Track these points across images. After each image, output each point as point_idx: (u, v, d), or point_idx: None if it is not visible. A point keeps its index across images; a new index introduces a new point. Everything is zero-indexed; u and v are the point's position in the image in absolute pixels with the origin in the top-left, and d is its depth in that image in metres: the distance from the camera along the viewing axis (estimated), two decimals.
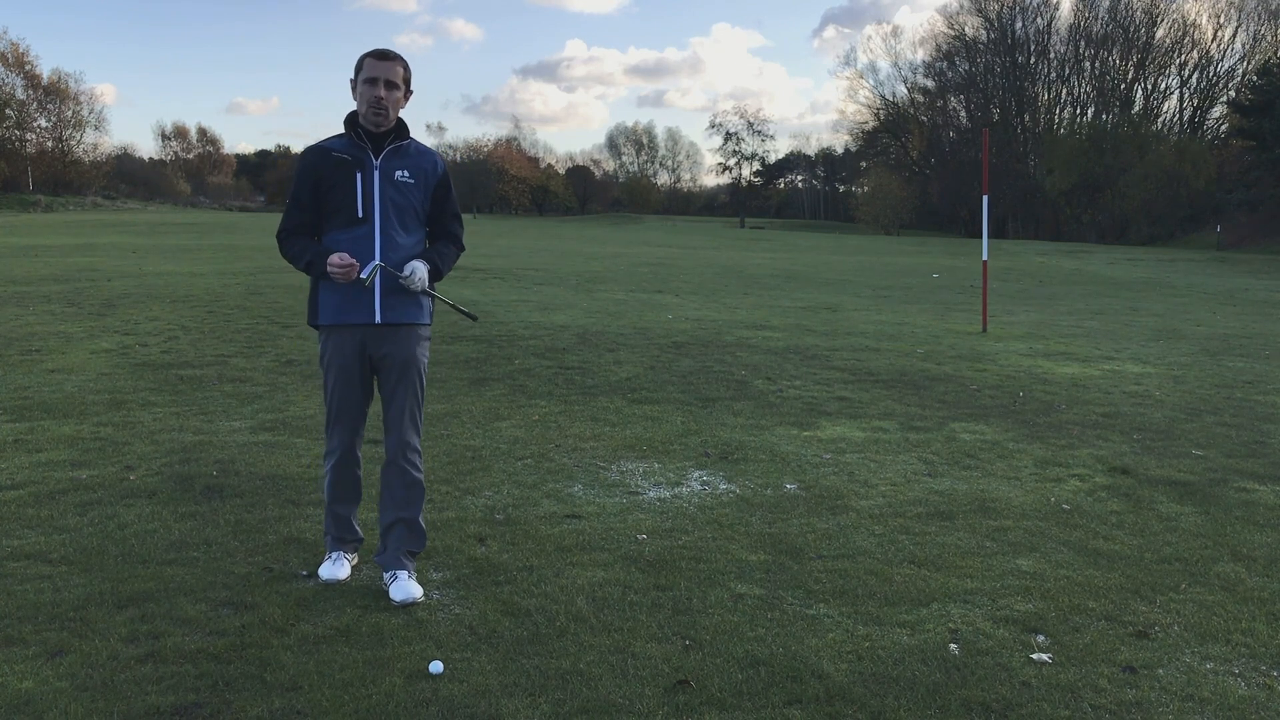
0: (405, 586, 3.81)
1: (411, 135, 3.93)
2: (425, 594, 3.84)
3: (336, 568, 3.97)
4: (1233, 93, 67.32)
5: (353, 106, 3.86)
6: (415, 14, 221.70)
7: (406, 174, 3.85)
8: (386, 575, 3.90)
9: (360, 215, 3.78)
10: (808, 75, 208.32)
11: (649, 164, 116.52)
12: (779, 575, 4.15)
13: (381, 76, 3.75)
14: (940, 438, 6.65)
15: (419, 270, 3.83)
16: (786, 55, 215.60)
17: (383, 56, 3.78)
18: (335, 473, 4.01)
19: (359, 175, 3.79)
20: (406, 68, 3.83)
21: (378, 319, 3.84)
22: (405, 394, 3.93)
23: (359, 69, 3.79)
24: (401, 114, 3.88)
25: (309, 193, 3.82)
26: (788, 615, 3.75)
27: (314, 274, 3.81)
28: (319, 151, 3.83)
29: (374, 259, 3.79)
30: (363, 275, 3.74)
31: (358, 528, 4.15)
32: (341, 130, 3.88)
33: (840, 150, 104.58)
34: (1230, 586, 4.14)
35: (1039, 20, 77.81)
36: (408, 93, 3.87)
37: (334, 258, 3.70)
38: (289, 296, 13.28)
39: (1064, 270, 28.43)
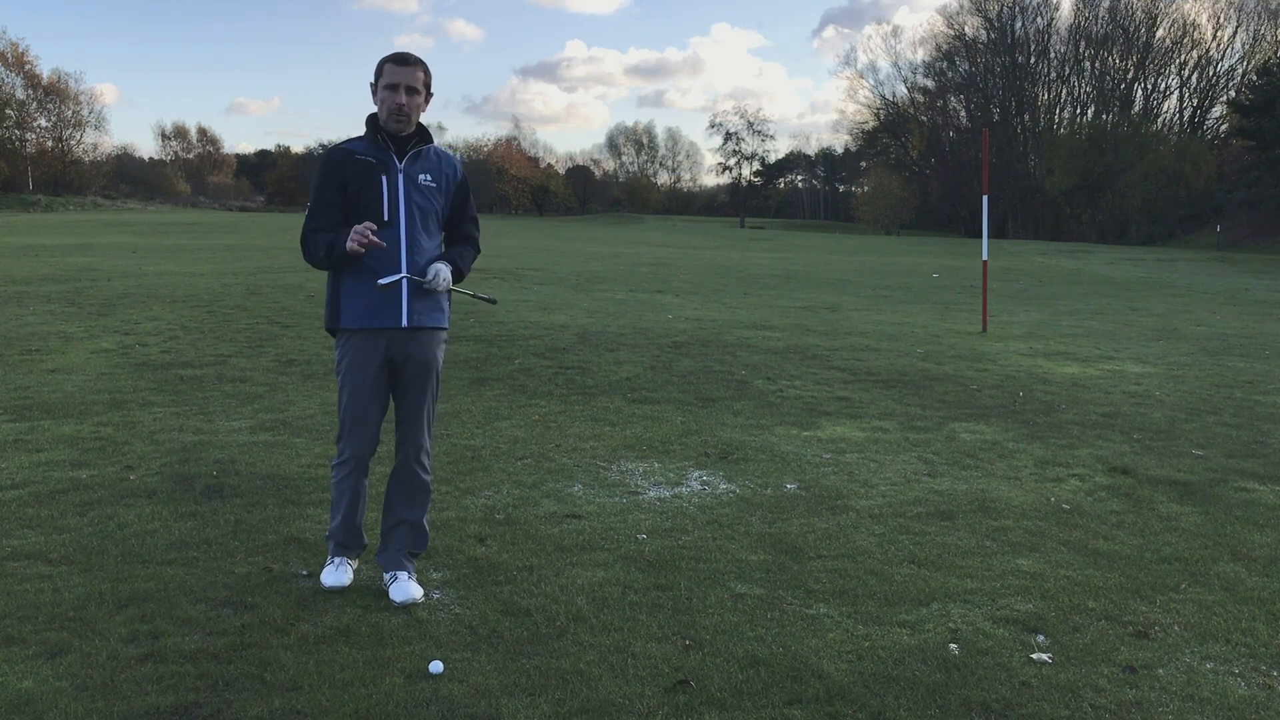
0: (405, 587, 3.81)
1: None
2: (425, 594, 3.85)
3: (340, 574, 3.94)
4: (1233, 93, 67.31)
5: (364, 108, 3.88)
6: (416, 14, 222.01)
7: (429, 178, 3.87)
8: (387, 576, 3.90)
9: (386, 219, 3.78)
10: (807, 75, 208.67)
11: (649, 164, 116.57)
12: (779, 575, 4.15)
13: (402, 83, 3.75)
14: (940, 438, 6.65)
15: (442, 271, 3.84)
16: (786, 55, 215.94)
17: (403, 62, 3.77)
18: (345, 484, 3.98)
19: (384, 179, 3.79)
20: (426, 72, 3.83)
21: (405, 323, 3.83)
22: (424, 396, 3.94)
23: (379, 74, 3.79)
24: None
25: (337, 193, 3.79)
26: (788, 615, 3.75)
27: (334, 255, 3.71)
28: (344, 153, 3.82)
29: (400, 261, 3.79)
30: (382, 281, 3.72)
31: (363, 534, 4.11)
32: (351, 132, 3.91)
33: (840, 150, 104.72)
34: (1230, 586, 4.14)
35: (1039, 20, 77.87)
36: (428, 96, 3.87)
37: (354, 232, 3.61)
38: (289, 296, 13.28)
39: (1064, 270, 28.43)
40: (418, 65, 3.79)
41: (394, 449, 4.02)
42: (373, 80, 3.82)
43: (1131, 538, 4.72)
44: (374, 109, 3.85)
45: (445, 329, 4.00)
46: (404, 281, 3.79)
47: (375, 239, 3.64)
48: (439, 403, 7.20)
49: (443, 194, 3.92)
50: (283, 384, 7.87)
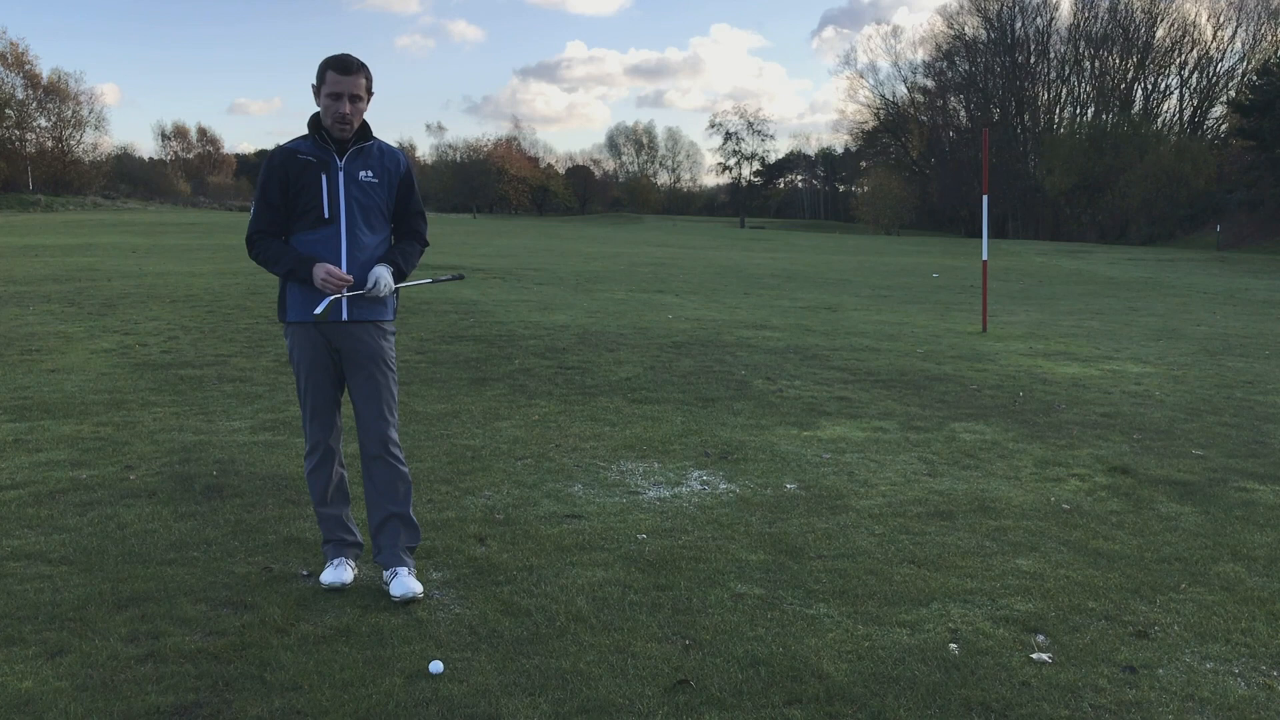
0: (405, 582, 3.81)
1: (375, 136, 3.96)
2: (425, 594, 3.84)
3: (339, 572, 3.94)
4: (1233, 93, 67.31)
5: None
6: (417, 15, 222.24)
7: (370, 174, 3.91)
8: (386, 573, 3.90)
9: (327, 216, 3.84)
10: (807, 76, 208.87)
11: (649, 164, 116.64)
12: (779, 575, 4.15)
13: (346, 92, 3.77)
14: (940, 438, 6.65)
15: (383, 277, 3.87)
16: (786, 56, 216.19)
17: (345, 70, 3.78)
18: (318, 471, 4.01)
19: (324, 177, 3.84)
20: (368, 77, 3.86)
21: (345, 316, 3.89)
22: (379, 387, 3.96)
23: (321, 79, 3.80)
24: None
25: (278, 193, 3.85)
26: (788, 615, 3.75)
27: (295, 280, 3.83)
28: (285, 153, 3.87)
29: (340, 258, 3.84)
30: (317, 311, 3.78)
31: (355, 530, 4.12)
32: (304, 131, 3.91)
33: (840, 150, 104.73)
34: (1230, 586, 4.14)
35: (1039, 20, 77.94)
36: (370, 98, 3.90)
37: (321, 270, 3.74)
38: None
39: (1064, 270, 28.43)
40: (360, 72, 3.81)
41: (359, 446, 4.02)
42: (315, 82, 3.83)
43: (1131, 538, 4.72)
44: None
45: (389, 320, 4.03)
46: (343, 303, 3.84)
47: (338, 286, 3.75)
48: (438, 401, 7.25)
49: (385, 188, 3.96)
50: (283, 384, 7.86)
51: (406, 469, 4.02)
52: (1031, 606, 3.88)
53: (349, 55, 3.81)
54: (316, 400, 3.97)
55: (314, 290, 3.81)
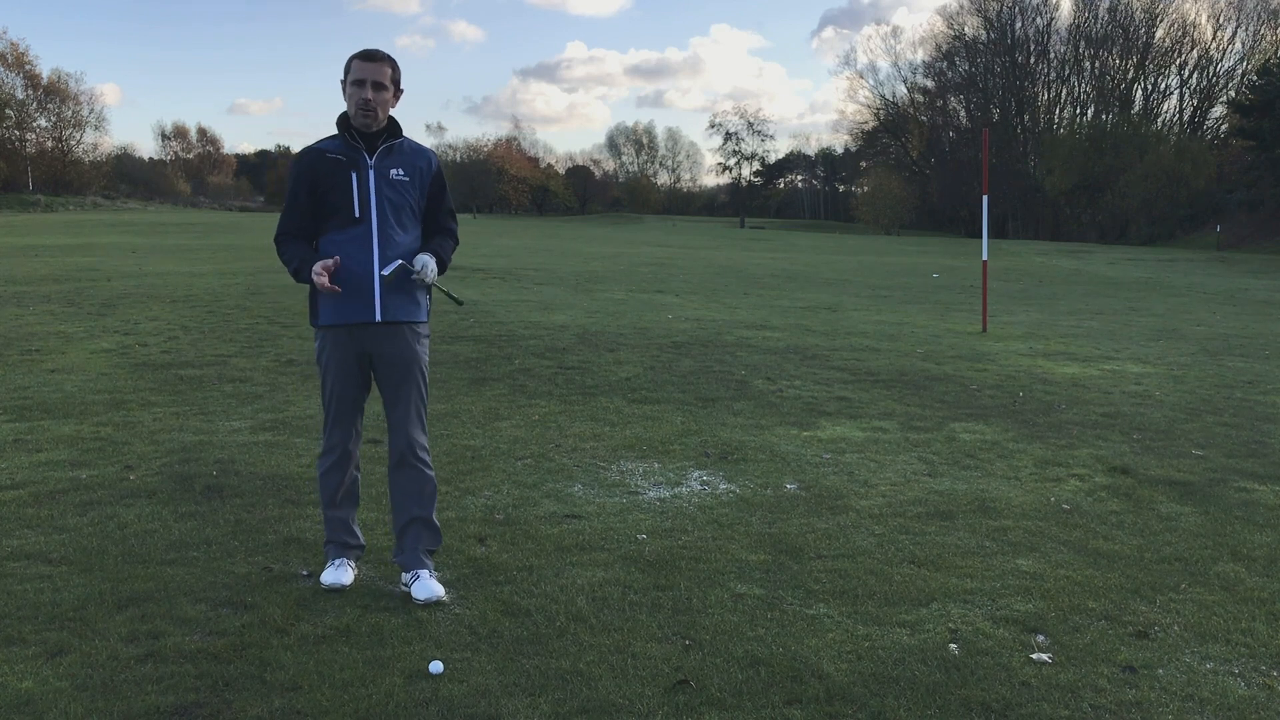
0: (428, 585, 3.81)
1: (405, 134, 3.93)
2: None
3: (339, 573, 3.93)
4: (1233, 93, 67.31)
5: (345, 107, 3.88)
6: (418, 15, 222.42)
7: (401, 172, 3.88)
8: (407, 575, 3.89)
9: (357, 215, 3.80)
10: (807, 76, 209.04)
11: (649, 164, 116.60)
12: (779, 575, 4.15)
13: (369, 78, 3.75)
14: (940, 438, 6.65)
15: (430, 264, 3.87)
16: (786, 56, 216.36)
17: (370, 58, 3.77)
18: (332, 474, 4.00)
19: (354, 175, 3.81)
20: (395, 68, 3.83)
21: (378, 317, 3.85)
22: (411, 392, 3.94)
23: (348, 70, 3.80)
24: (398, 113, 3.91)
25: (306, 195, 3.83)
26: (788, 615, 3.75)
27: (300, 280, 3.82)
28: (314, 153, 3.84)
29: (372, 257, 3.81)
30: (384, 272, 3.78)
31: (359, 533, 4.12)
32: (334, 131, 3.89)
33: (840, 150, 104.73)
34: (1230, 586, 4.14)
35: (1039, 20, 77.92)
36: (397, 92, 3.87)
37: (319, 266, 3.68)
38: (289, 296, 13.28)
39: (1064, 270, 28.42)
40: (385, 61, 3.79)
41: (388, 448, 4.02)
42: (343, 78, 3.82)
43: (1131, 538, 4.72)
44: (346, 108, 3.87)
45: (423, 322, 4.00)
46: (377, 277, 3.82)
47: (329, 284, 3.67)
48: (438, 401, 7.25)
49: (416, 187, 3.92)
50: (283, 384, 7.87)
51: (433, 473, 4.02)
52: (1031, 606, 3.88)
53: (377, 48, 3.81)
54: (342, 403, 3.94)
55: (345, 287, 3.77)
